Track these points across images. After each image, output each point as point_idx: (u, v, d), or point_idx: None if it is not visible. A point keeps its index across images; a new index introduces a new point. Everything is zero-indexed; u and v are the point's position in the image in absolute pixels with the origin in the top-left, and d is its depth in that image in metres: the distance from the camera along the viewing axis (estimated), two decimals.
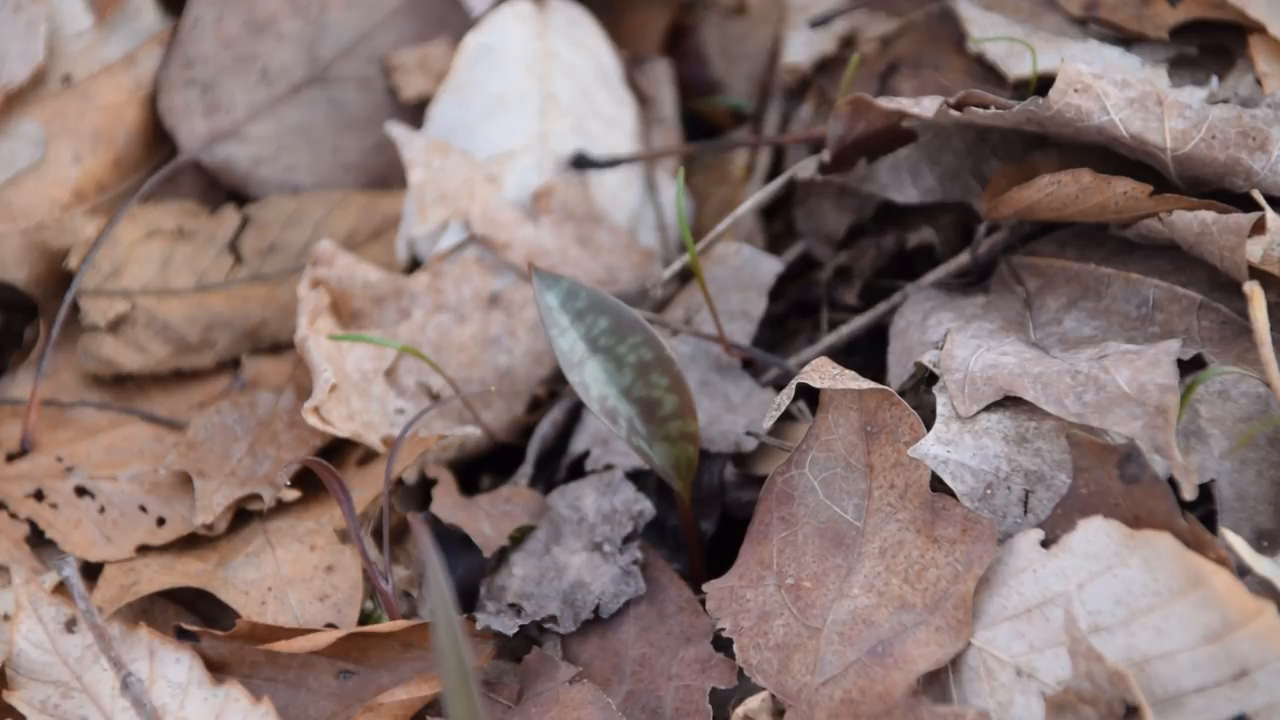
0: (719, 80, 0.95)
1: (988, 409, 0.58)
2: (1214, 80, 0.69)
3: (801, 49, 0.85)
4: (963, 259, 0.71)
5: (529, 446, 0.76)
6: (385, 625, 0.62)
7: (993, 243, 0.70)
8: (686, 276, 0.80)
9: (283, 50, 0.87)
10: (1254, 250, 0.58)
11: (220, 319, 0.80)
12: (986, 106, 0.64)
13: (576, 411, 0.77)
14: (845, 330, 0.74)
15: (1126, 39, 0.73)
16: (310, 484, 0.71)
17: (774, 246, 0.83)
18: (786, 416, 0.70)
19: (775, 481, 0.61)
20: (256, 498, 0.70)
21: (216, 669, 0.62)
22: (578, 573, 0.66)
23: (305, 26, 0.87)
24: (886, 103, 0.67)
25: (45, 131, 0.81)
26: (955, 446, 0.57)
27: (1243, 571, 0.50)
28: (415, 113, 0.86)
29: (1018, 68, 0.73)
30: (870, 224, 0.78)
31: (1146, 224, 0.62)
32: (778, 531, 0.60)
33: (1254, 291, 0.55)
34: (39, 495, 0.72)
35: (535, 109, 0.84)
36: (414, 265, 0.81)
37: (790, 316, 0.81)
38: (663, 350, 0.62)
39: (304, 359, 0.72)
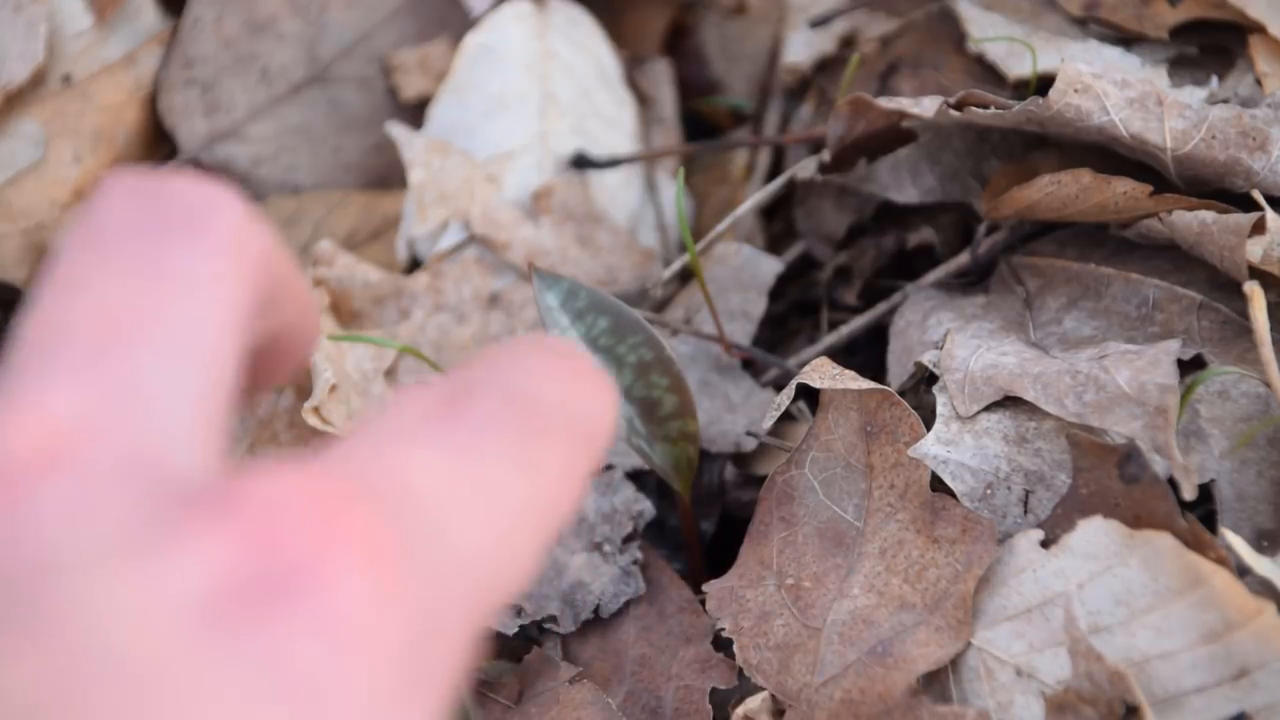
0: (719, 80, 0.95)
1: (988, 409, 0.58)
2: (1214, 80, 0.69)
3: (801, 49, 0.85)
4: (963, 259, 0.71)
5: None
6: None
7: (993, 243, 0.70)
8: (686, 276, 0.80)
9: (283, 50, 0.87)
10: (1254, 250, 0.58)
11: None
12: (986, 106, 0.64)
13: None
14: (845, 330, 0.74)
15: (1126, 39, 0.73)
16: None
17: (774, 246, 0.83)
18: (786, 416, 0.70)
19: (775, 481, 0.61)
20: None
21: None
22: (578, 573, 0.66)
23: (305, 26, 0.87)
24: (886, 103, 0.67)
25: (45, 131, 0.81)
26: (955, 446, 0.57)
27: (1243, 571, 0.50)
28: (415, 113, 0.86)
29: (1018, 68, 0.73)
30: (870, 224, 0.78)
31: (1146, 224, 0.62)
32: (778, 531, 0.60)
33: (1254, 291, 0.55)
34: None
35: (535, 109, 0.84)
36: (414, 265, 0.81)
37: (790, 316, 0.81)
38: (663, 350, 0.62)
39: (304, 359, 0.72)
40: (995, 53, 0.75)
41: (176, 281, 0.26)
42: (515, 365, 0.29)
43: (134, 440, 0.24)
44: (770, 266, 0.76)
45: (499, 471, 0.26)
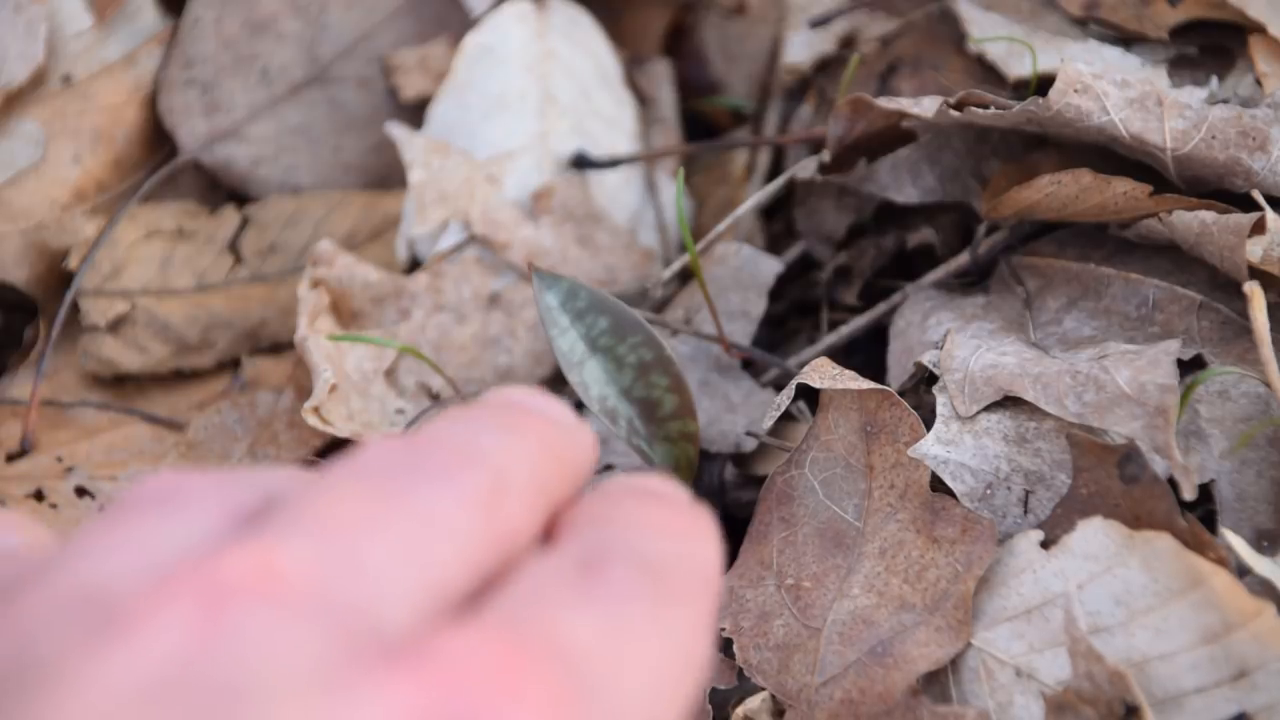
0: (719, 80, 0.95)
1: (988, 409, 0.58)
2: (1214, 80, 0.69)
3: (801, 49, 0.85)
4: (963, 259, 0.72)
5: None
6: None
7: (993, 243, 0.70)
8: (686, 276, 0.80)
9: (283, 50, 0.87)
10: (1254, 250, 0.58)
11: (220, 319, 0.80)
12: (986, 106, 0.64)
13: (576, 411, 0.76)
14: (845, 330, 0.74)
15: (1126, 39, 0.73)
16: None
17: (774, 246, 0.83)
18: (786, 416, 0.70)
19: (775, 481, 0.61)
20: None
21: None
22: None
23: (305, 26, 0.87)
24: (886, 103, 0.67)
25: (45, 131, 0.81)
26: (955, 446, 0.57)
27: (1243, 571, 0.50)
28: (415, 113, 0.86)
29: (1018, 68, 0.73)
30: (870, 224, 0.78)
31: (1146, 224, 0.62)
32: (778, 531, 0.60)
33: (1254, 291, 0.55)
34: (39, 495, 0.72)
35: (535, 109, 0.84)
36: (414, 265, 0.81)
37: (790, 316, 0.81)
38: (663, 350, 0.62)
39: (304, 359, 0.73)
40: (995, 53, 0.75)
41: (418, 515, 0.28)
42: (630, 523, 0.31)
43: (342, 595, 0.25)
44: (770, 266, 0.76)
45: (644, 632, 0.28)
